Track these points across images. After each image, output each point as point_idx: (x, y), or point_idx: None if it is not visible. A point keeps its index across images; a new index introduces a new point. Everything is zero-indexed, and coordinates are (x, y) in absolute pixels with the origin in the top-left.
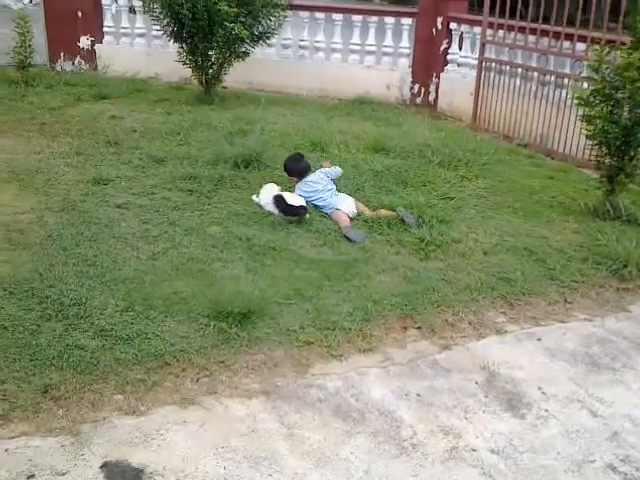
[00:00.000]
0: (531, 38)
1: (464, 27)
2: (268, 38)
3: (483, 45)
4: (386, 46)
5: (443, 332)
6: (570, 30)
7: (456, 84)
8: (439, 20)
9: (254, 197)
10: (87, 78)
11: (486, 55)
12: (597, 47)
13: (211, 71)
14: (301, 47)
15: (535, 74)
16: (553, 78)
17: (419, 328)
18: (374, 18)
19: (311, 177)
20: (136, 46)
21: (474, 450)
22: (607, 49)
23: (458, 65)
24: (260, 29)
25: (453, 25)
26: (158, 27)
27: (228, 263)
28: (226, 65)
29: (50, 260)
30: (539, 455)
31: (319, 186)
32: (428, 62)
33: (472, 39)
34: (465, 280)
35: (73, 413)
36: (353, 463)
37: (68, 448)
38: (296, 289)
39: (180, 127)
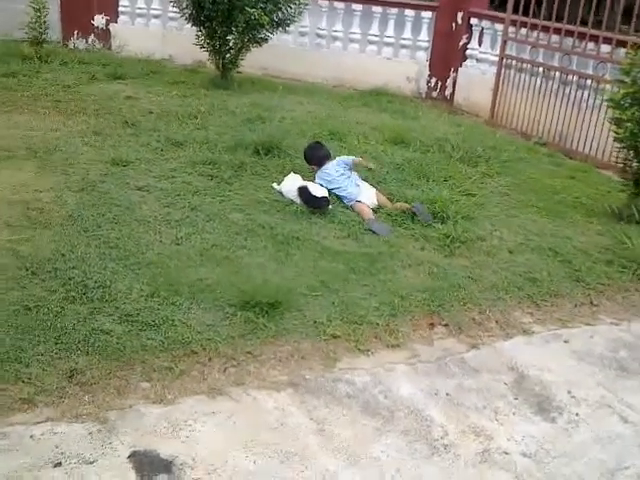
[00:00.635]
0: (554, 38)
1: (485, 23)
2: (288, 25)
3: (505, 42)
4: (405, 38)
5: (470, 330)
6: (595, 31)
7: (474, 79)
8: (459, 15)
9: (275, 185)
10: (101, 57)
11: (507, 52)
12: (631, 51)
13: (228, 55)
14: (318, 36)
15: (557, 73)
16: (575, 78)
17: (446, 325)
18: (394, 10)
19: (329, 165)
20: (151, 27)
21: (506, 453)
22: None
23: (477, 61)
24: (280, 16)
25: (474, 20)
26: (175, 9)
27: (252, 251)
28: (244, 50)
29: (72, 241)
30: (571, 461)
31: (337, 174)
32: (446, 56)
33: (493, 35)
34: (491, 278)
35: (99, 399)
36: (384, 462)
37: (95, 435)
38: (322, 281)
39: (197, 111)
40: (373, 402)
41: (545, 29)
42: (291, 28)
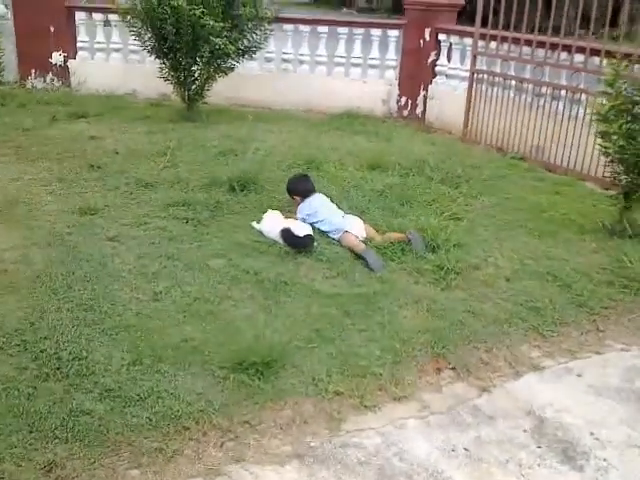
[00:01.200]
0: (525, 49)
1: (453, 38)
2: (254, 52)
3: (475, 57)
4: (373, 58)
5: (478, 372)
6: (567, 41)
7: (445, 96)
8: (427, 31)
9: (254, 224)
10: (61, 96)
11: (478, 67)
12: (614, 61)
13: (194, 87)
14: (285, 60)
15: (530, 86)
16: (549, 90)
17: (453, 369)
18: (360, 30)
19: (314, 197)
20: (112, 61)
21: None
22: (624, 63)
23: (447, 77)
24: (246, 43)
25: (442, 36)
26: (135, 41)
27: (238, 302)
28: (210, 81)
29: (41, 306)
30: None
31: (320, 206)
32: (416, 74)
33: (462, 50)
34: (492, 311)
35: None
36: None
37: None
38: (317, 330)
39: (166, 147)
40: (388, 467)
41: (515, 41)
42: (256, 54)
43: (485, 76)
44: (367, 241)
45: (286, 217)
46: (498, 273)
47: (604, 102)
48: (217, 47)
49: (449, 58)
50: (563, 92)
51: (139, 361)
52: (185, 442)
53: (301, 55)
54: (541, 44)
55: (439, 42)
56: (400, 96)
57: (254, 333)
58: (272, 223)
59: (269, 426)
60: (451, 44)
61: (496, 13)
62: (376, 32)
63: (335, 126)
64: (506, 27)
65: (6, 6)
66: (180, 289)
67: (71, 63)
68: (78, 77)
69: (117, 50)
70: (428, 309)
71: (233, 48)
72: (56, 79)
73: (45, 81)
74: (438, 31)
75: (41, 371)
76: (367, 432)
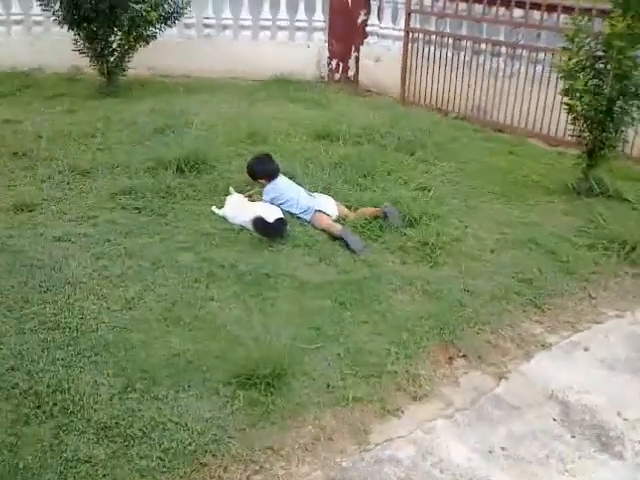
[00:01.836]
0: (461, 6)
1: None
2: (177, 19)
3: (409, 15)
4: (299, 20)
5: (489, 357)
6: None
7: (379, 57)
8: None
9: (215, 209)
10: None
11: (412, 25)
12: (575, 16)
13: (113, 59)
14: (206, 26)
15: (468, 43)
16: (489, 47)
17: (464, 356)
18: None
19: (280, 178)
20: (13, 35)
21: None
22: (585, 18)
23: (379, 37)
24: (167, 8)
25: None
26: (41, 12)
27: (222, 302)
28: (130, 51)
29: None
30: None
31: (289, 188)
32: (345, 35)
33: (393, 9)
34: (486, 287)
35: None
36: None
37: None
38: (317, 328)
39: (93, 127)
40: None
41: None
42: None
43: (421, 35)
44: (340, 219)
45: (249, 200)
46: (481, 245)
47: (564, 59)
48: (137, 14)
49: (380, 17)
50: (503, 49)
51: (131, 387)
52: None
53: (224, 19)
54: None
55: (368, 0)
56: (330, 59)
57: (251, 338)
58: (236, 208)
59: (293, 449)
60: (381, 2)
61: None
62: None
63: (269, 93)
64: None
65: None
66: (153, 292)
67: None
68: None
69: (18, 22)
70: (423, 291)
71: (155, 15)
72: None
73: None
74: None
75: (19, 413)
76: (397, 442)
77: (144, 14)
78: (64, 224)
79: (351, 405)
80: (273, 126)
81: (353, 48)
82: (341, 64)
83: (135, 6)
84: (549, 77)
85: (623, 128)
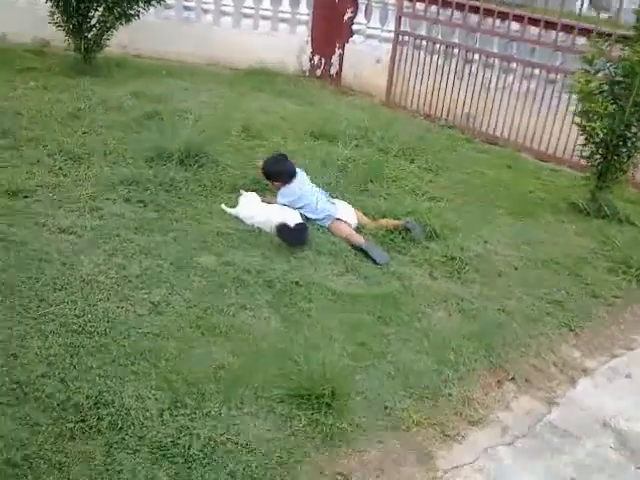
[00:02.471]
0: (456, 14)
1: None
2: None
3: (400, 18)
4: (283, 12)
5: (536, 381)
6: (504, 9)
7: (364, 57)
8: None
9: (225, 207)
10: None
11: (402, 28)
12: (597, 39)
13: (91, 35)
14: (186, 8)
15: (460, 51)
16: (484, 58)
17: (512, 379)
18: None
19: (297, 181)
20: None
21: None
22: (606, 42)
23: (366, 37)
24: None
25: None
26: None
27: (255, 311)
28: (111, 29)
29: (18, 330)
30: None
31: (304, 190)
32: (330, 31)
33: (382, 10)
34: (520, 307)
35: None
36: None
37: None
38: (361, 343)
39: (74, 108)
40: None
41: (446, 4)
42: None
43: (411, 39)
44: (359, 228)
45: (263, 200)
46: (505, 262)
47: (581, 80)
48: None
49: (368, 17)
50: (497, 61)
51: (180, 402)
52: None
53: (205, 3)
54: (474, 9)
55: None
56: (313, 54)
57: (297, 353)
58: (252, 208)
59: (363, 475)
60: (370, 1)
61: None
62: None
63: (253, 85)
64: None
65: None
66: (180, 297)
67: None
68: None
69: None
70: (460, 309)
71: None
72: None
73: None
74: None
75: (61, 427)
76: (465, 470)
77: None
78: (66, 214)
79: (413, 429)
80: (265, 121)
81: (337, 45)
82: (323, 60)
83: None
84: (543, 93)
85: (636, 153)
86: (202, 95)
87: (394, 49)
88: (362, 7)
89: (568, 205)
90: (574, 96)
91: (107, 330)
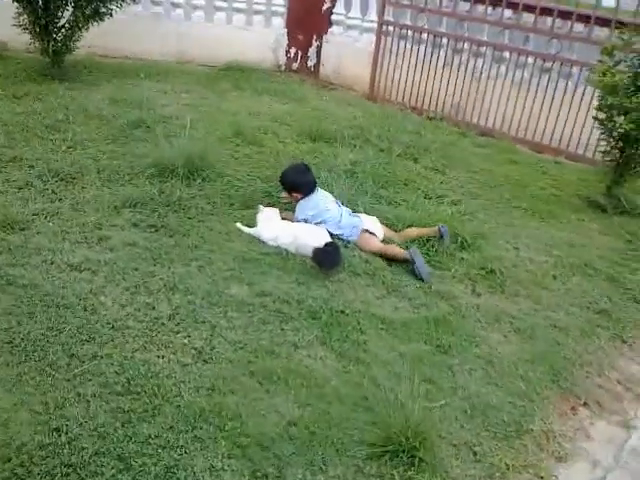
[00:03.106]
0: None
1: None
2: None
3: (384, 7)
4: (257, 3)
5: (607, 404)
6: None
7: (345, 49)
8: None
9: (241, 226)
10: None
11: (386, 18)
12: (624, 30)
13: (59, 37)
14: (154, 3)
15: (448, 41)
16: (474, 47)
17: (585, 404)
18: None
19: (317, 194)
20: None
21: None
22: (633, 34)
23: (345, 28)
24: None
25: None
26: None
27: (308, 350)
28: (82, 30)
29: (53, 396)
30: None
31: (328, 204)
32: (307, 23)
33: None
34: (571, 321)
35: None
36: None
37: None
38: (429, 379)
39: (53, 119)
40: None
41: None
42: None
43: (396, 29)
44: (386, 241)
45: (283, 217)
46: (541, 270)
47: (604, 73)
48: None
49: (347, 7)
50: (488, 49)
51: (261, 472)
52: None
53: None
54: None
55: None
56: (289, 47)
57: (363, 397)
58: (274, 228)
59: None
60: None
61: None
62: None
63: (232, 83)
64: None
65: None
66: (222, 338)
67: None
68: None
69: None
70: (515, 329)
71: None
72: None
73: None
74: None
75: None
76: None
77: None
78: (73, 248)
79: (510, 477)
80: (256, 124)
81: (315, 37)
82: (300, 53)
83: None
84: (538, 83)
85: None
86: (183, 98)
87: (377, 40)
88: None
89: (583, 201)
90: (579, 89)
91: (155, 388)
